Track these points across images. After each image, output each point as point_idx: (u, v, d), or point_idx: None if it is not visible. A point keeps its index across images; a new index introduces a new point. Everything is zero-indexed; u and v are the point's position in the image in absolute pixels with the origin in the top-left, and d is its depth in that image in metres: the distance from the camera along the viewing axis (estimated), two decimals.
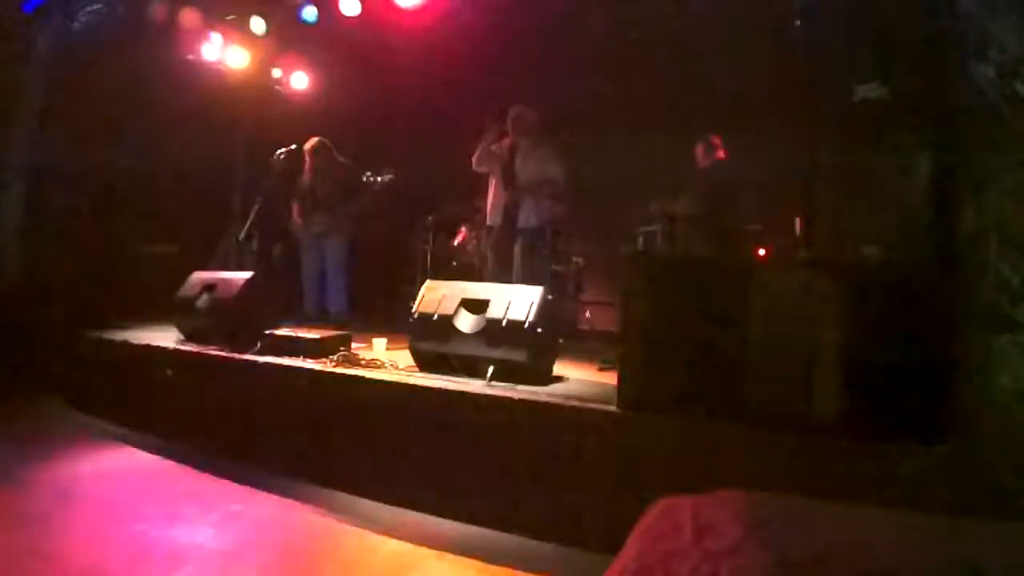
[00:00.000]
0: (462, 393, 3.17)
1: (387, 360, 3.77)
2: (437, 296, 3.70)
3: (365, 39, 6.06)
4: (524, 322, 3.39)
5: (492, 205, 5.16)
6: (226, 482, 3.36)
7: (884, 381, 2.47)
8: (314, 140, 5.59)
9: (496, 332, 3.43)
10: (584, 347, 4.87)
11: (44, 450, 3.67)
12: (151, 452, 3.78)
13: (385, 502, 3.13)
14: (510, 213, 5.03)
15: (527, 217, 5.02)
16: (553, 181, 5.00)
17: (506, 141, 5.06)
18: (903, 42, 3.02)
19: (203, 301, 4.50)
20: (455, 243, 6.78)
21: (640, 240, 5.76)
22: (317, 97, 6.88)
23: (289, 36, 6.38)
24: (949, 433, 2.35)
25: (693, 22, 5.70)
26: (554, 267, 6.15)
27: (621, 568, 1.00)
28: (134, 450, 3.82)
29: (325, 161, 5.57)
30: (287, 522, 2.96)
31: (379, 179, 5.98)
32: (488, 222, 5.24)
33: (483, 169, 5.18)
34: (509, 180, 5.03)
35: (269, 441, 3.59)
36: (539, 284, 3.74)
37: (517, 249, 5.01)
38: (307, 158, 5.59)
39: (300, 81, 6.85)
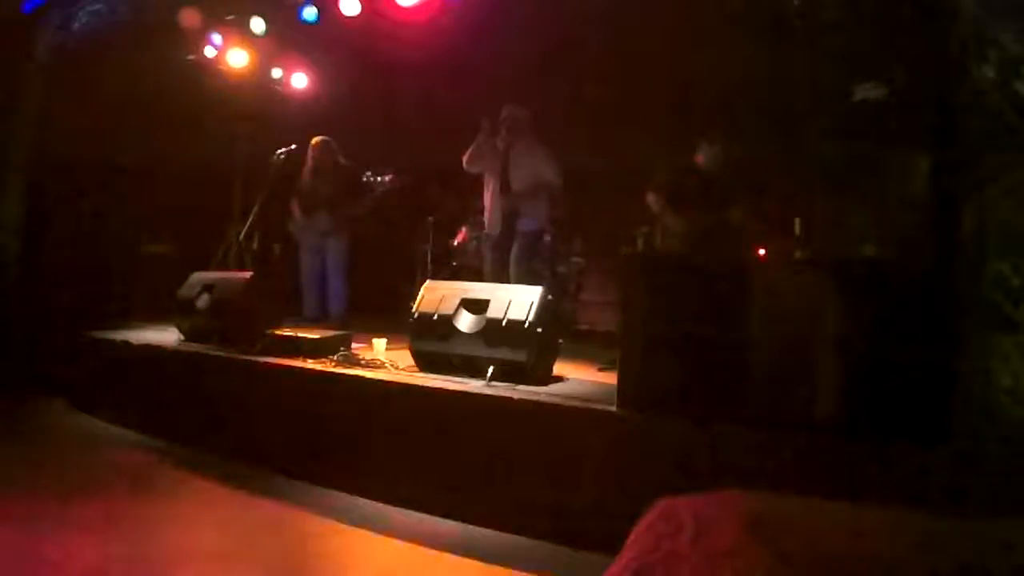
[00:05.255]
0: (462, 393, 3.17)
1: (387, 360, 3.77)
2: (437, 296, 3.70)
3: (365, 39, 6.05)
4: (524, 322, 3.39)
5: (489, 210, 5.16)
6: (226, 482, 3.36)
7: (884, 381, 2.47)
8: (318, 139, 5.58)
9: (496, 332, 3.43)
10: (584, 347, 4.87)
11: (44, 450, 3.67)
12: (151, 452, 3.78)
13: (385, 502, 3.13)
14: (507, 217, 5.03)
15: (524, 221, 5.01)
16: (549, 183, 4.99)
17: (499, 139, 5.04)
18: (903, 42, 3.02)
19: (203, 301, 4.50)
20: (455, 243, 6.77)
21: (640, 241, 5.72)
22: (317, 97, 6.87)
23: (289, 36, 6.37)
24: (949, 433, 2.35)
25: (693, 19, 5.70)
26: (554, 267, 6.15)
27: (621, 568, 1.00)
28: (134, 450, 3.82)
29: (328, 161, 5.56)
30: (287, 522, 2.96)
31: (380, 179, 5.97)
32: (487, 229, 5.23)
33: (475, 169, 5.16)
34: (504, 183, 5.02)
35: (269, 441, 3.60)
36: (538, 285, 3.74)
37: (515, 252, 5.00)
38: (310, 157, 5.57)
39: (300, 81, 6.85)
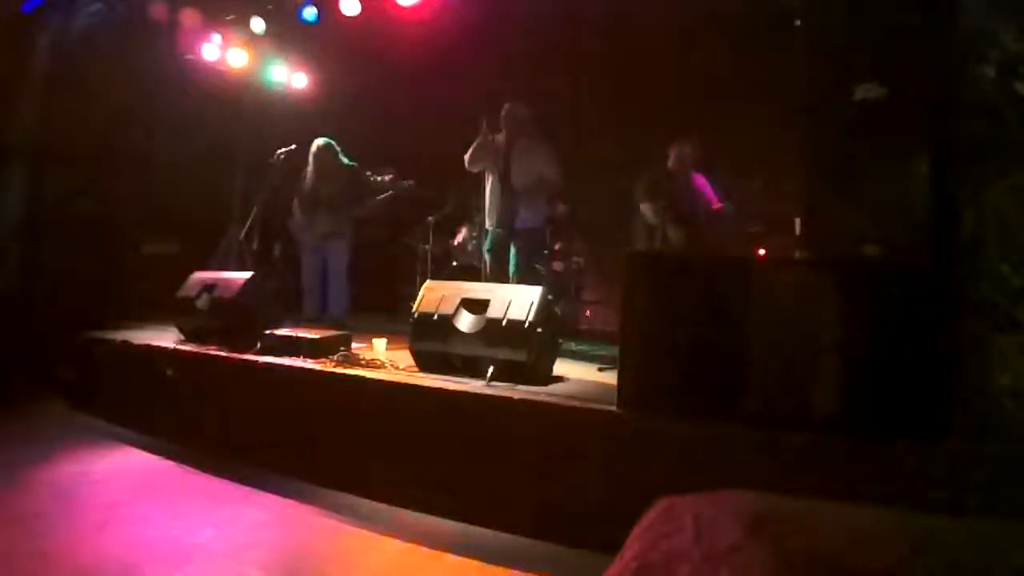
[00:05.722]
0: (462, 393, 3.17)
1: (387, 360, 3.77)
2: (437, 296, 3.70)
3: (365, 39, 6.06)
4: (524, 322, 3.38)
5: (489, 208, 5.15)
6: (226, 482, 3.36)
7: (884, 381, 2.47)
8: (320, 141, 5.56)
9: (496, 332, 3.43)
10: (584, 347, 4.86)
11: (44, 450, 3.67)
12: (151, 452, 3.78)
13: (385, 502, 3.13)
14: (507, 214, 5.02)
15: (524, 218, 5.00)
16: (549, 182, 4.99)
17: (500, 137, 5.03)
18: (903, 42, 3.02)
19: (203, 301, 4.50)
20: (455, 243, 6.77)
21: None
22: (317, 97, 6.88)
23: (289, 36, 6.38)
24: (949, 433, 2.35)
25: (693, 20, 5.70)
26: (554, 267, 6.14)
27: (621, 568, 1.00)
28: (134, 450, 3.82)
29: (330, 163, 5.54)
30: (287, 522, 2.96)
31: (380, 179, 5.97)
32: (487, 225, 5.23)
33: (476, 168, 5.15)
34: (505, 181, 5.01)
35: (269, 441, 3.59)
36: (538, 284, 3.74)
37: (515, 251, 5.00)
38: (312, 159, 5.56)
39: (300, 81, 6.85)
